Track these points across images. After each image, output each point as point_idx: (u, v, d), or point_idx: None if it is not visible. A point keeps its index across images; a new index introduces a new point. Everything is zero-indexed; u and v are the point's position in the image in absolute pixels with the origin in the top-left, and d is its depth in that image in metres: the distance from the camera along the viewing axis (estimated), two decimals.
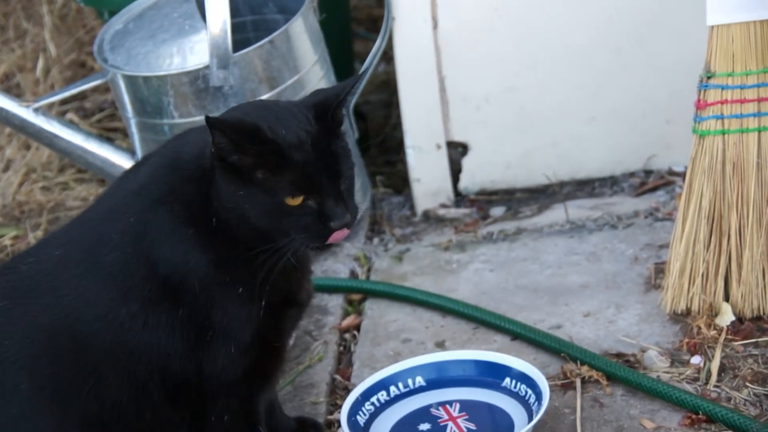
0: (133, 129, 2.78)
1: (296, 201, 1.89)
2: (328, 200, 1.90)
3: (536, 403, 2.22)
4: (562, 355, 2.38)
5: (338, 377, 2.48)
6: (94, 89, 3.51)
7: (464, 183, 3.01)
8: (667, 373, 2.31)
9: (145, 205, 1.97)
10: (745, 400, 2.23)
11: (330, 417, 2.38)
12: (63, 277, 1.97)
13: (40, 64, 3.61)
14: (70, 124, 2.85)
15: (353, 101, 2.95)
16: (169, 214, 1.96)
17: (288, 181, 1.88)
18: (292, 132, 1.89)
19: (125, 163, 2.77)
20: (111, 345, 1.94)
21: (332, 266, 2.82)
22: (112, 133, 3.44)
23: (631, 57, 2.86)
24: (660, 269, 2.57)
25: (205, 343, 1.97)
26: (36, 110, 2.79)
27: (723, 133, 2.37)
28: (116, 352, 1.94)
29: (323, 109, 1.92)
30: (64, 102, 3.51)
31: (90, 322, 1.94)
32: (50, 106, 3.28)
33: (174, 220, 1.95)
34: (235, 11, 2.71)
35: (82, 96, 3.56)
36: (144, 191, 1.98)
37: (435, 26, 2.87)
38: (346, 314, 2.67)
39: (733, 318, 2.38)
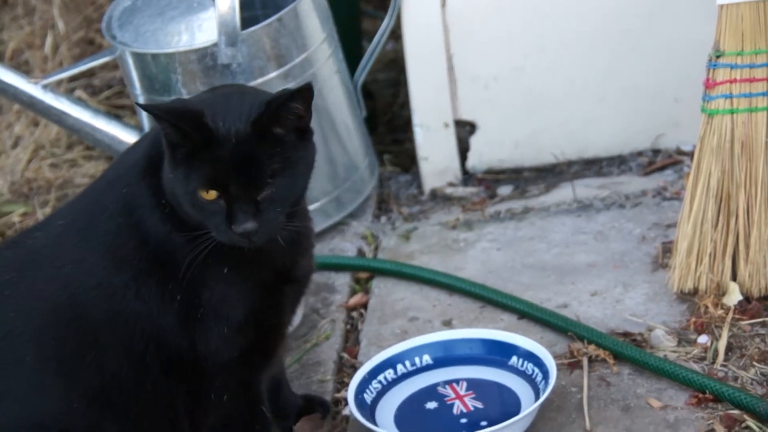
0: None
1: (209, 196, 1.88)
2: (235, 204, 1.88)
3: (543, 381, 2.22)
4: (569, 334, 2.38)
5: (345, 355, 2.48)
6: (103, 66, 3.51)
7: (472, 162, 3.01)
8: (674, 352, 2.31)
9: (136, 178, 1.98)
10: (752, 379, 2.23)
11: (337, 395, 2.38)
12: (64, 247, 1.98)
13: (49, 41, 3.60)
14: (79, 101, 2.85)
15: (362, 79, 2.94)
16: (151, 189, 1.96)
17: (200, 174, 1.87)
18: (226, 126, 1.87)
19: (133, 140, 2.77)
20: (108, 314, 1.95)
21: (339, 244, 2.82)
22: (120, 110, 3.44)
23: (640, 36, 2.85)
24: (667, 248, 2.57)
25: (197, 321, 1.97)
26: (44, 87, 2.78)
27: (732, 112, 2.37)
28: (113, 321, 1.95)
29: (262, 111, 1.88)
30: (72, 79, 3.50)
31: (87, 291, 1.95)
32: (59, 83, 3.29)
33: (156, 195, 1.96)
34: None
35: (90, 73, 3.55)
36: (135, 163, 2.00)
37: (443, 5, 2.87)
38: (353, 292, 2.67)
39: (740, 297, 2.38)
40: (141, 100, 2.75)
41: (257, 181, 1.88)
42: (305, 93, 1.90)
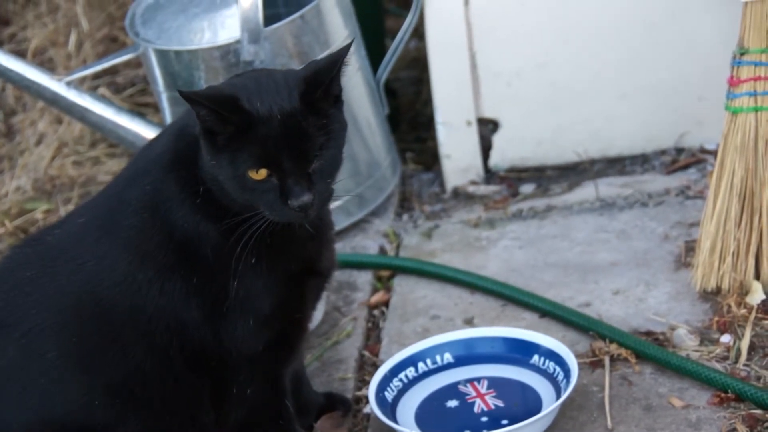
0: (165, 104, 2.78)
1: (259, 175, 1.89)
2: (289, 179, 1.88)
3: (564, 380, 2.22)
4: (591, 332, 2.37)
5: (367, 353, 2.48)
6: (126, 64, 3.52)
7: (494, 160, 3.00)
8: (697, 351, 2.31)
9: (159, 173, 1.99)
10: None
11: (358, 393, 2.38)
12: (85, 243, 1.99)
13: (73, 38, 3.61)
14: (102, 98, 2.86)
15: (384, 77, 2.94)
16: (179, 182, 1.97)
17: (249, 154, 1.88)
18: (266, 105, 1.88)
19: None
20: (131, 309, 1.96)
21: (361, 242, 2.82)
22: (143, 108, 3.45)
23: (664, 33, 2.84)
24: (690, 247, 2.56)
25: (222, 314, 1.98)
26: (68, 84, 2.79)
27: (756, 110, 2.36)
28: (136, 316, 1.96)
29: (310, 84, 1.90)
30: (95, 77, 3.51)
31: (110, 287, 1.96)
32: (82, 80, 3.29)
33: (184, 187, 1.97)
34: None
35: (113, 71, 3.56)
36: (159, 158, 2.01)
37: (466, 2, 2.86)
38: (374, 290, 2.67)
39: (763, 296, 2.37)
40: (164, 97, 2.75)
41: (308, 154, 1.89)
42: (346, 55, 1.92)
